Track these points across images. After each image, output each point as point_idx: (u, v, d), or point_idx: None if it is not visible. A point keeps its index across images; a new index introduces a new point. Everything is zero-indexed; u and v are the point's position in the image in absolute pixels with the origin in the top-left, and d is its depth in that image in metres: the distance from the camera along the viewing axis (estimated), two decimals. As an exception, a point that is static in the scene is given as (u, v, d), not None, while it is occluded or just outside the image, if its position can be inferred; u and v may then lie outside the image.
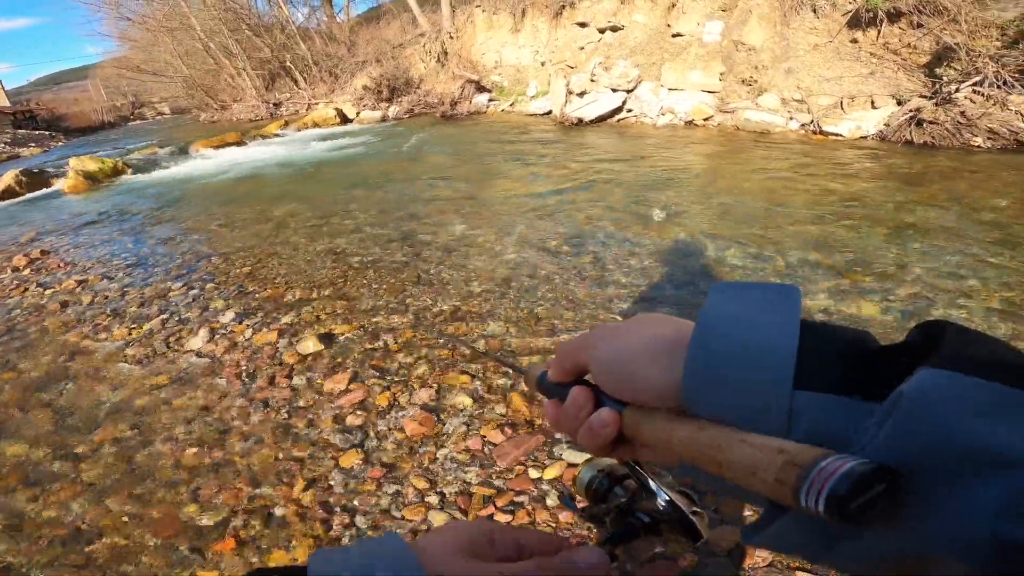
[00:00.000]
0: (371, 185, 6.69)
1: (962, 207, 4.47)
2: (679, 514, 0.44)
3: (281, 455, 2.26)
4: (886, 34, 8.44)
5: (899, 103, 7.49)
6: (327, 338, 3.07)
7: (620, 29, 11.45)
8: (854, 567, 0.27)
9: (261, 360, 2.95)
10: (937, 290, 3.16)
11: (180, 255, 4.81)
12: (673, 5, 10.59)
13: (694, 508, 0.45)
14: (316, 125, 13.87)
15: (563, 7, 12.41)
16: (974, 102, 6.71)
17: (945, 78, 7.27)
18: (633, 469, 0.47)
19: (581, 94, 10.72)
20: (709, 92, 9.40)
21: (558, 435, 2.22)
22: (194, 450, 2.34)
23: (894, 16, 8.32)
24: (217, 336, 3.24)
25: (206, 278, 4.18)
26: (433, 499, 1.97)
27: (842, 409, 0.27)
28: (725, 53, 9.53)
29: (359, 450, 2.24)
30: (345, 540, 1.85)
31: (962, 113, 6.64)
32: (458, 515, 1.90)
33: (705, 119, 8.80)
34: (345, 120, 14.32)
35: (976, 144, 6.38)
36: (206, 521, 1.98)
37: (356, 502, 1.99)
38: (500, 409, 2.40)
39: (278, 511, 1.99)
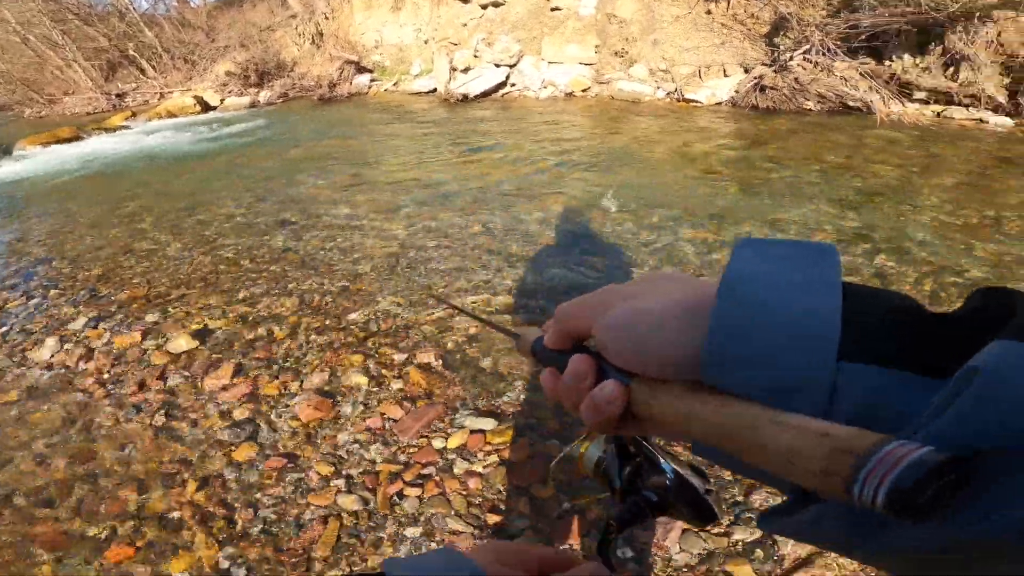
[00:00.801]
0: (242, 174, 6.23)
1: (798, 163, 5.17)
2: (691, 494, 0.41)
3: (166, 458, 2.14)
4: (734, 5, 9.33)
5: (746, 71, 8.38)
6: (202, 334, 2.89)
7: (501, 4, 11.55)
8: (895, 561, 0.24)
9: (126, 364, 2.71)
10: (790, 225, 3.69)
11: (13, 264, 4.20)
12: None
13: (707, 487, 0.42)
14: (172, 115, 12.48)
15: None
16: (805, 69, 7.69)
17: (782, 47, 8.23)
18: (640, 445, 0.45)
19: (465, 70, 10.73)
20: (586, 64, 9.86)
21: (457, 403, 2.30)
22: (63, 463, 2.14)
23: None
24: (69, 344, 2.92)
25: (48, 284, 3.70)
26: (340, 483, 1.98)
27: (894, 385, 0.24)
28: (599, 26, 10.01)
29: (253, 443, 2.17)
30: (254, 533, 1.81)
31: (796, 79, 7.59)
32: (367, 495, 1.92)
33: (584, 90, 9.24)
34: (207, 108, 13.04)
35: (809, 107, 7.35)
36: (95, 532, 1.84)
37: (258, 496, 1.94)
38: (397, 385, 2.43)
39: (173, 515, 1.90)
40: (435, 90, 11.21)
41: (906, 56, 7.43)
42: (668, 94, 8.53)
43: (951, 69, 7.05)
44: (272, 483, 1.99)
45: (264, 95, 13.10)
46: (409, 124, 8.27)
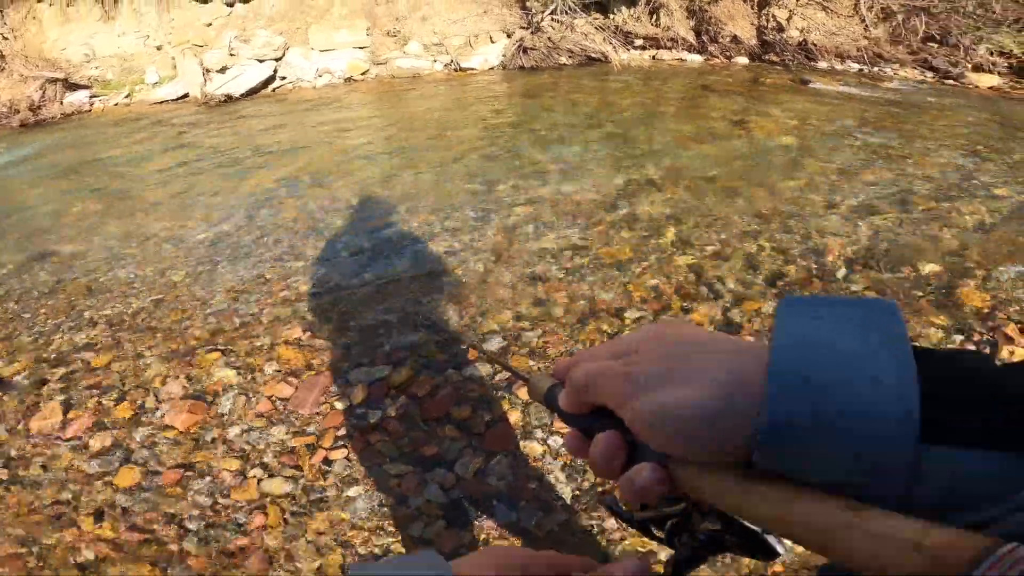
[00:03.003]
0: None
1: (565, 110, 6.13)
2: (748, 530, 0.35)
3: (36, 503, 1.97)
4: None
5: (508, 36, 9.33)
6: (-1, 387, 2.55)
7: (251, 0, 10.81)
8: None
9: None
10: (570, 165, 4.46)
11: None
12: None
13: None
14: None
15: None
16: (554, 28, 8.86)
17: (533, 9, 9.30)
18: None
19: (222, 70, 9.89)
20: (360, 48, 9.89)
21: (344, 364, 2.47)
22: None
23: None
24: None
25: None
26: (257, 472, 2.02)
27: (979, 465, 0.22)
28: (367, 9, 10.06)
29: (132, 465, 2.10)
30: (191, 547, 1.80)
31: (549, 39, 8.72)
32: (293, 473, 2.00)
33: (363, 73, 9.31)
34: None
35: (563, 62, 8.54)
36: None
37: (172, 510, 1.92)
38: (272, 367, 2.50)
39: (87, 554, 1.80)
40: (187, 95, 10.14)
41: (624, 8, 9.03)
42: (445, 66, 9.09)
43: (655, 17, 8.81)
44: (180, 494, 1.98)
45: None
46: (163, 130, 7.43)
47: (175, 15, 11.20)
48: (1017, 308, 2.60)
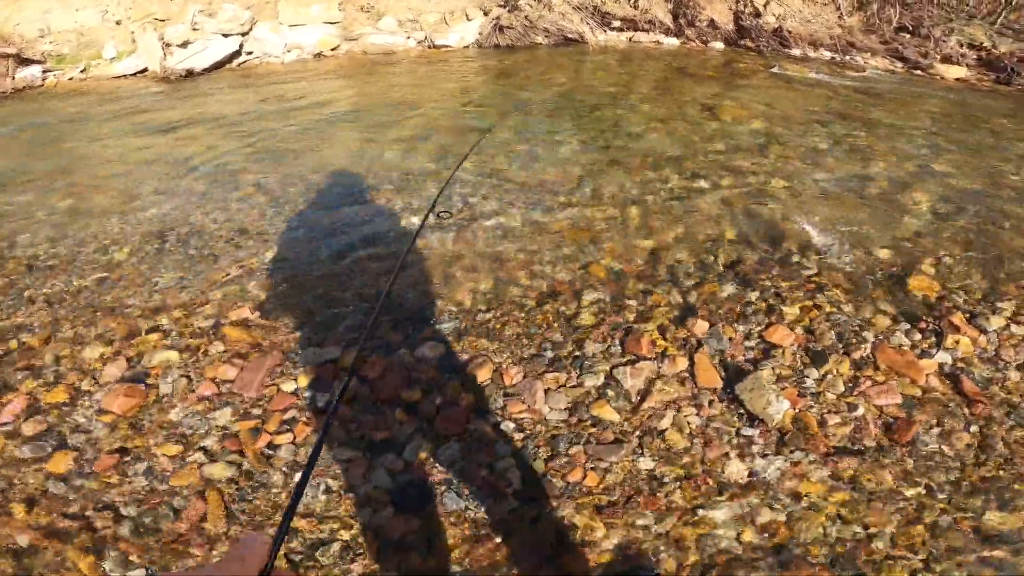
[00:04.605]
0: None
1: (541, 88, 6.06)
2: None
3: None
4: None
5: (485, 14, 9.16)
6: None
7: (217, -30, 10.36)
8: None
9: None
10: (539, 145, 4.44)
11: None
12: None
13: None
14: None
15: None
16: (532, 7, 8.73)
17: (511, -12, 9.13)
18: None
19: (184, 44, 9.55)
20: (332, 23, 9.62)
21: (293, 343, 2.43)
22: None
23: None
24: None
25: None
26: (197, 456, 1.98)
27: None
28: (341, -17, 9.74)
29: (66, 451, 2.04)
30: (125, 533, 1.76)
31: (526, 17, 8.59)
32: (236, 459, 1.96)
33: (333, 49, 9.08)
34: None
35: (539, 42, 8.43)
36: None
37: (108, 497, 1.87)
38: (218, 348, 2.45)
39: (22, 541, 1.75)
40: (146, 70, 9.79)
41: (604, -11, 8.93)
42: (419, 42, 8.90)
43: (633, -1, 8.73)
44: (117, 480, 1.93)
45: None
46: (117, 105, 7.14)
47: (137, -13, 10.73)
48: (966, 297, 2.68)
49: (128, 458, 2.01)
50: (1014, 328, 2.49)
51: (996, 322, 2.51)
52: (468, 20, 9.18)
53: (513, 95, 5.87)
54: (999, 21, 7.89)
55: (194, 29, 9.75)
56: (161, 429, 2.11)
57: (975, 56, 7.54)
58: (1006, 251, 3.04)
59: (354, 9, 9.68)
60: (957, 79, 7.11)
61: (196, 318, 2.62)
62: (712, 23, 8.46)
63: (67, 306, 2.77)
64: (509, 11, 8.70)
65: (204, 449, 2.03)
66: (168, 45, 9.58)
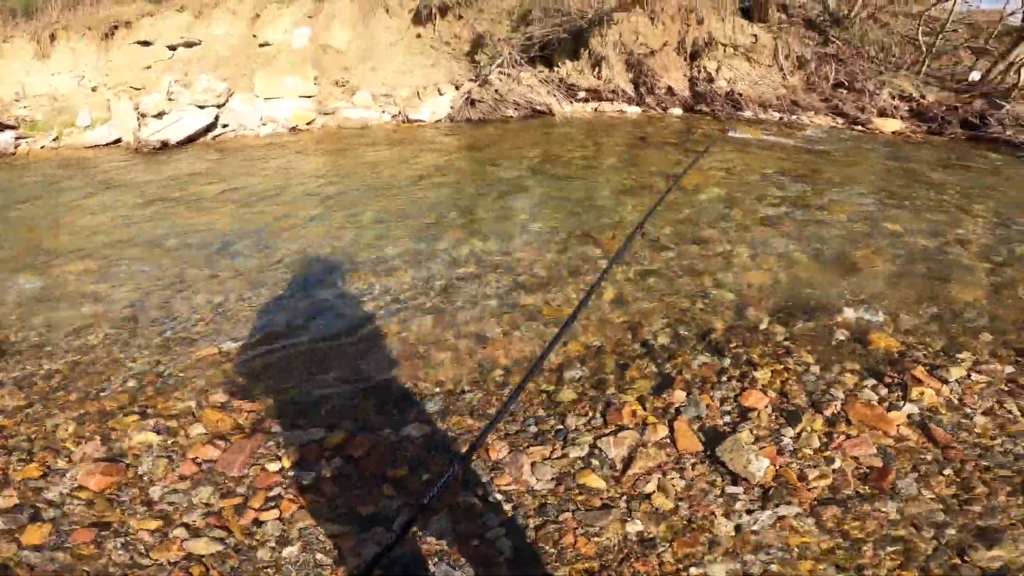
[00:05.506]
0: None
1: (511, 161, 6.42)
2: None
3: None
4: (440, 27, 10.64)
5: (457, 88, 9.72)
6: None
7: (197, 44, 10.87)
8: None
9: None
10: (513, 222, 4.65)
11: None
12: (257, 16, 10.69)
13: None
14: None
15: (115, 27, 10.90)
16: (501, 80, 9.32)
17: (481, 63, 9.77)
18: None
19: (159, 115, 9.77)
20: (307, 96, 10.02)
21: (275, 426, 2.46)
22: None
23: (443, 10, 10.50)
24: None
25: None
26: (180, 531, 1.98)
27: None
28: (315, 58, 10.28)
29: (41, 523, 2.02)
30: None
31: (496, 91, 9.16)
32: (220, 534, 1.96)
33: (308, 123, 9.39)
34: None
35: (510, 115, 8.96)
36: None
37: (86, 567, 1.86)
38: (197, 429, 2.47)
39: None
40: (119, 140, 9.93)
41: (568, 61, 9.64)
42: (393, 117, 9.33)
43: (597, 69, 9.43)
44: (94, 554, 1.91)
45: None
46: (89, 178, 7.21)
47: (114, 56, 11.09)
48: (925, 351, 2.88)
49: (106, 531, 2.00)
50: (975, 376, 2.67)
51: (956, 372, 2.69)
52: (440, 94, 9.72)
53: (486, 170, 6.18)
54: (923, 71, 8.76)
55: (170, 99, 10.04)
56: (141, 505, 2.11)
57: (907, 108, 8.30)
58: (958, 304, 3.29)
59: (328, 83, 10.16)
60: (894, 132, 7.79)
61: (174, 401, 2.63)
62: (670, 90, 9.17)
63: (37, 390, 2.76)
64: (480, 85, 9.27)
65: (187, 525, 2.03)
66: (143, 115, 9.81)
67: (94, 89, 11.20)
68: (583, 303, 1.90)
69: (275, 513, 2.05)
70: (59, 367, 2.94)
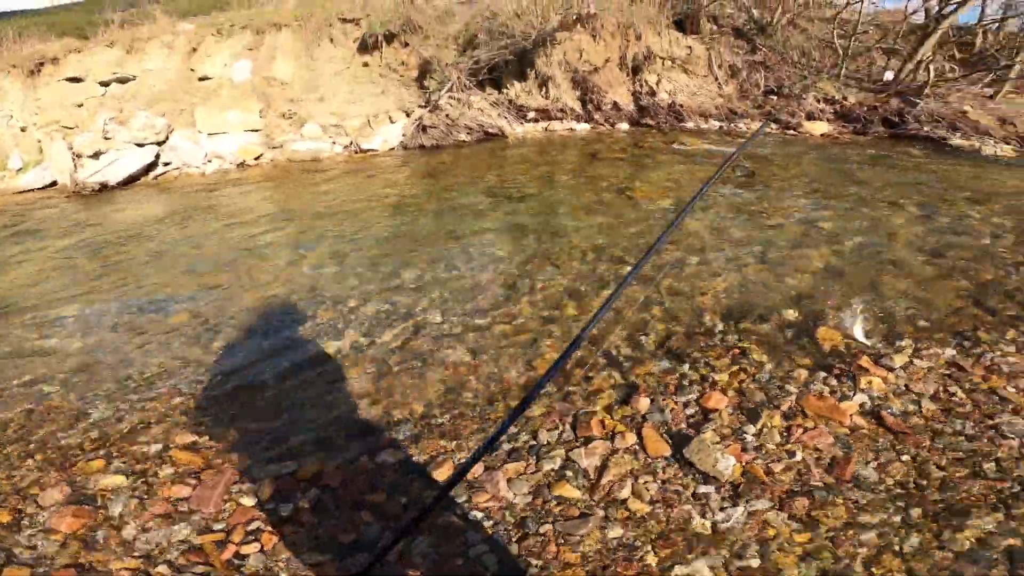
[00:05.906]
0: None
1: (465, 186, 6.53)
2: None
3: None
4: (386, 54, 10.73)
5: (408, 115, 9.82)
6: None
7: (131, 80, 10.60)
8: None
9: None
10: (471, 245, 4.74)
11: None
12: (194, 50, 10.51)
13: None
14: None
15: (41, 64, 10.53)
16: (452, 105, 9.47)
17: (431, 88, 9.90)
18: None
19: (96, 155, 9.44)
20: (253, 130, 9.87)
21: (247, 461, 2.46)
22: None
23: (389, 38, 10.60)
24: None
25: None
26: (162, 568, 1.96)
27: None
28: (260, 90, 10.17)
29: (17, 566, 1.97)
30: None
31: (448, 116, 9.29)
32: (203, 569, 1.96)
33: (256, 158, 9.26)
34: None
35: (463, 139, 9.10)
36: None
37: None
38: (167, 470, 2.44)
39: None
40: (55, 183, 9.53)
41: (516, 83, 9.89)
42: (345, 147, 9.29)
43: (544, 89, 9.73)
44: None
45: None
46: (26, 225, 6.92)
47: (42, 94, 10.68)
48: (868, 342, 3.09)
49: (84, 572, 1.96)
50: (917, 362, 2.88)
51: (900, 359, 2.91)
52: (392, 122, 9.78)
53: (442, 196, 6.26)
54: (841, 73, 9.42)
55: (106, 138, 9.69)
56: (117, 545, 2.08)
57: (832, 110, 8.90)
58: (894, 294, 3.56)
59: (275, 115, 10.06)
60: (823, 134, 8.34)
61: (140, 445, 2.59)
62: (616, 105, 9.54)
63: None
64: (431, 111, 9.39)
65: (169, 562, 2.01)
66: (79, 155, 9.44)
67: (23, 129, 10.73)
68: (593, 320, 1.93)
69: (256, 546, 2.07)
70: (13, 416, 2.87)
